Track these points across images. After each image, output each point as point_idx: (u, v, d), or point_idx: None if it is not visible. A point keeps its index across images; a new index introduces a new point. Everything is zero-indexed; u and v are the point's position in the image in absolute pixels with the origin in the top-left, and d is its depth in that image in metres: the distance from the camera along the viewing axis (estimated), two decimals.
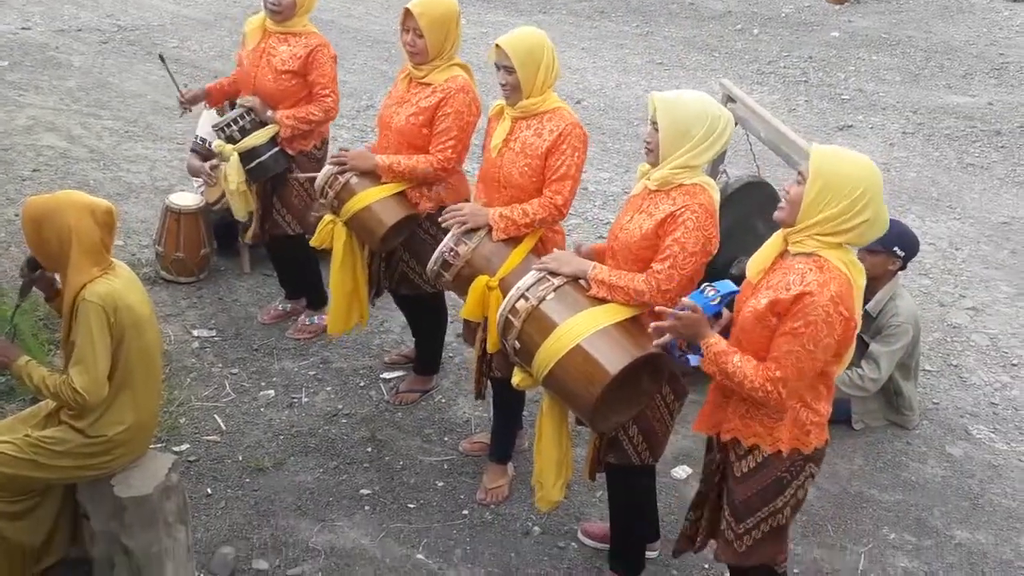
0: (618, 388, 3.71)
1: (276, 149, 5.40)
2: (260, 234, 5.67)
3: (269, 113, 5.34)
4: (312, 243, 5.14)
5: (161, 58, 6.06)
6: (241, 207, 5.61)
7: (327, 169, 4.90)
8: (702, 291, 3.40)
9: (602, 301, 3.78)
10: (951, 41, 11.55)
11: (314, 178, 5.04)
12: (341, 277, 5.03)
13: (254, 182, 5.51)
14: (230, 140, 5.41)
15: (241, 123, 5.38)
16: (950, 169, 8.64)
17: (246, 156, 5.40)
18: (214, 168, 6.17)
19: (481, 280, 4.25)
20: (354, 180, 4.82)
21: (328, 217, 5.01)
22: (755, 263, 3.41)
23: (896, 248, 5.12)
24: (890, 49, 11.34)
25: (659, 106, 3.65)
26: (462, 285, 4.35)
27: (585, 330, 3.71)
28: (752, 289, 3.39)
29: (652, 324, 3.44)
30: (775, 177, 6.76)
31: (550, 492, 4.11)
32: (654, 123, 3.67)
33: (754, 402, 3.38)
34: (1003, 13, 12.30)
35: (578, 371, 3.70)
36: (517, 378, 4.01)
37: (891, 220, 4.51)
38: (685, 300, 3.36)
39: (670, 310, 3.36)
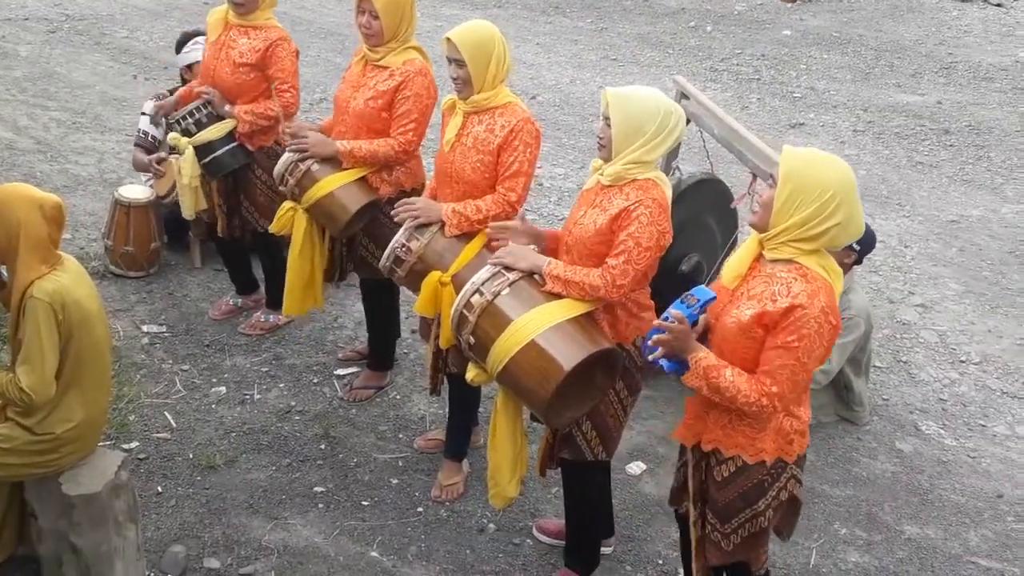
0: (572, 384, 3.71)
1: (234, 144, 5.30)
2: (230, 230, 5.56)
3: (227, 107, 5.26)
4: (271, 230, 5.09)
5: None
6: (190, 204, 5.51)
7: (287, 156, 4.84)
8: (683, 300, 3.33)
9: (557, 296, 3.78)
10: (901, 40, 11.69)
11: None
12: (300, 264, 4.99)
13: (211, 178, 5.42)
14: (186, 133, 5.32)
15: (197, 116, 5.28)
16: (900, 167, 8.74)
17: (202, 150, 5.31)
18: (160, 162, 6.09)
19: (434, 276, 4.24)
20: (315, 167, 4.77)
21: (288, 204, 4.96)
22: (731, 268, 3.37)
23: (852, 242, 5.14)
24: (841, 48, 11.45)
25: (612, 102, 3.65)
26: (415, 281, 4.33)
27: (540, 326, 3.71)
28: (731, 296, 3.35)
29: (650, 340, 3.35)
30: (728, 174, 6.82)
31: (505, 488, 4.10)
32: (607, 119, 3.68)
33: (737, 413, 3.34)
34: (952, 13, 12.47)
35: (532, 367, 3.70)
36: (471, 373, 4.00)
37: None
38: (672, 311, 3.29)
39: (663, 323, 3.27)
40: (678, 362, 3.34)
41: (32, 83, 8.87)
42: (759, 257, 3.32)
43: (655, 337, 3.31)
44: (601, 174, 3.76)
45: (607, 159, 3.74)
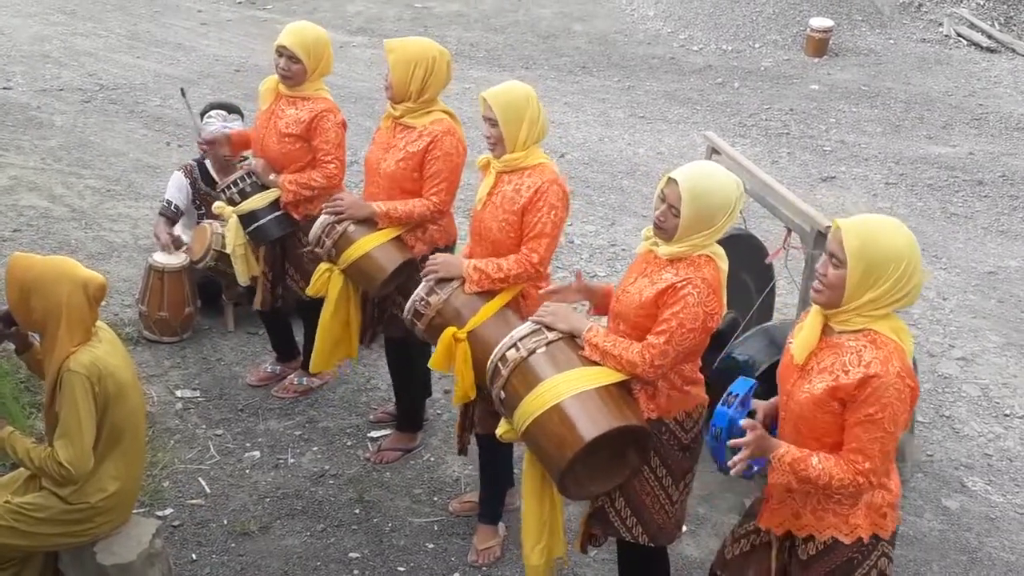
0: (597, 456, 3.59)
1: (278, 213, 5.29)
2: (271, 300, 5.52)
3: (272, 176, 5.26)
4: (308, 292, 5.10)
5: (182, 92, 5.98)
6: (243, 271, 5.52)
7: (323, 219, 4.87)
8: (724, 402, 3.26)
9: (594, 362, 3.67)
10: (930, 92, 11.66)
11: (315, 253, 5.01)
12: (332, 324, 5.00)
13: (257, 246, 5.44)
14: (230, 202, 5.36)
15: (241, 185, 5.30)
16: (934, 219, 8.67)
17: (246, 219, 5.32)
18: (176, 243, 6.15)
19: (448, 332, 4.23)
20: (351, 228, 4.81)
21: (324, 266, 4.98)
22: (801, 346, 3.24)
23: None
24: (870, 101, 11.43)
25: (683, 192, 3.48)
26: (434, 335, 4.33)
27: (567, 390, 3.59)
28: (800, 372, 3.25)
29: (731, 461, 3.22)
30: (760, 229, 6.76)
31: (527, 555, 3.98)
32: (670, 206, 3.52)
33: (824, 493, 3.24)
34: (981, 64, 12.44)
35: (553, 432, 3.59)
36: (502, 429, 3.93)
37: None
38: (742, 422, 3.20)
39: (740, 440, 3.17)
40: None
41: (67, 152, 8.99)
42: (825, 328, 3.23)
43: (737, 457, 3.19)
44: (655, 244, 3.62)
45: (667, 239, 3.58)
